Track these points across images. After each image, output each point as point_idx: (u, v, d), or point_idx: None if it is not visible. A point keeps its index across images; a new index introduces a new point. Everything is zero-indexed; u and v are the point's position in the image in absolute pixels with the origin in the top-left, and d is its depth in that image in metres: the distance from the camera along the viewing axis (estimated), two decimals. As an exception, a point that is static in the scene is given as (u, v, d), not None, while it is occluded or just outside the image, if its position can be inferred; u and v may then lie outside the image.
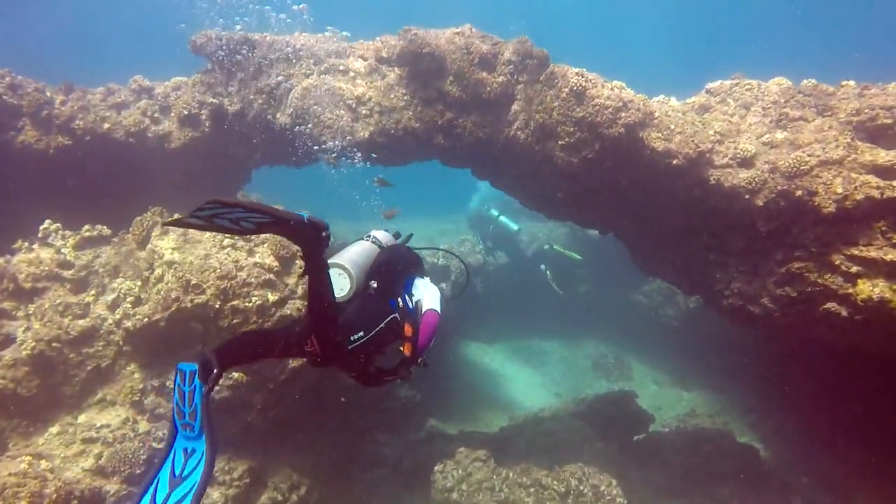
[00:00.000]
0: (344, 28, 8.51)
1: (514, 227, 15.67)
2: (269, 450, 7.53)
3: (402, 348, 3.75)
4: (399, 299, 3.92)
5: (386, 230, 4.49)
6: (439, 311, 3.99)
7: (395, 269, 4.11)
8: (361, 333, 3.52)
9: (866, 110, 6.56)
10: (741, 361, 12.02)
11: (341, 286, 3.78)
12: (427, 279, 4.34)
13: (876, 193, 5.82)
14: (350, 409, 8.88)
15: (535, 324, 15.71)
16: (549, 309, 15.54)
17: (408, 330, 3.77)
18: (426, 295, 4.08)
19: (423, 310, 3.95)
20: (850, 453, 8.91)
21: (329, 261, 3.65)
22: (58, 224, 7.47)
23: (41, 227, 7.41)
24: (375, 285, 3.89)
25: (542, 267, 15.26)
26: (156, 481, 2.67)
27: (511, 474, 7.72)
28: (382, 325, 3.68)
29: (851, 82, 7.18)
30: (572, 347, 16.07)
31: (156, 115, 8.45)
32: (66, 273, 7.14)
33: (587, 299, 16.24)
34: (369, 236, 4.30)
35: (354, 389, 9.05)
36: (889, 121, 6.38)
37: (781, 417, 10.90)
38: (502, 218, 15.61)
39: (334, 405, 8.53)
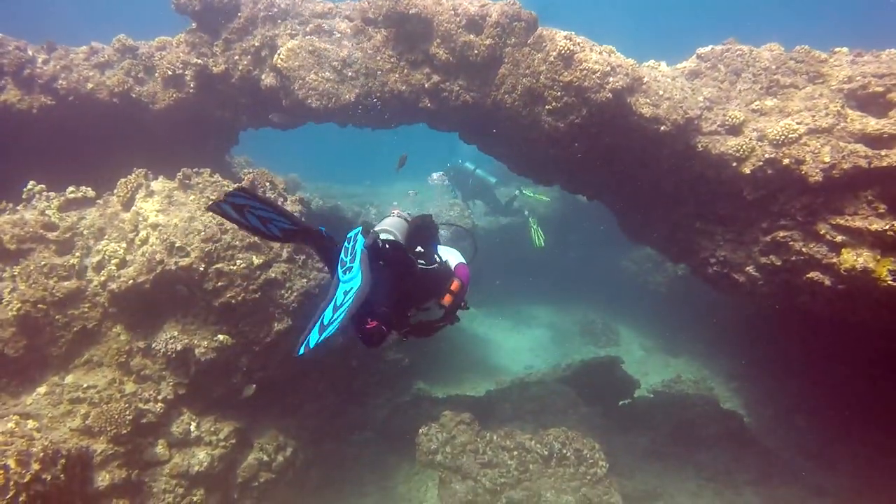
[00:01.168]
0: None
1: (493, 179, 15.94)
2: (255, 412, 7.62)
3: (441, 301, 4.35)
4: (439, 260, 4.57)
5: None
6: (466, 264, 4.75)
7: (429, 235, 4.73)
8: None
9: (858, 78, 6.45)
10: (726, 329, 12.11)
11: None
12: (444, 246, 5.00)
13: (864, 163, 5.77)
14: (337, 373, 8.95)
15: (524, 289, 15.77)
16: (538, 274, 15.56)
17: (454, 284, 4.40)
18: (451, 255, 4.79)
19: (454, 265, 4.65)
20: (831, 420, 9.02)
21: (376, 228, 4.34)
22: (42, 186, 7.41)
23: (25, 189, 7.35)
24: (421, 250, 4.48)
25: (526, 213, 15.39)
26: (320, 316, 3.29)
27: (495, 437, 7.82)
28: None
29: (844, 49, 7.05)
30: (561, 313, 16.17)
31: (140, 75, 8.32)
32: (51, 235, 7.10)
33: (576, 265, 16.26)
34: (395, 212, 4.76)
35: (342, 353, 9.14)
36: (881, 89, 6.27)
37: (764, 384, 11.02)
38: (479, 171, 15.82)
39: (321, 369, 8.60)
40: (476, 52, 7.16)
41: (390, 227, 4.40)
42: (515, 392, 9.95)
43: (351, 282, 3.46)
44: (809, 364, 9.79)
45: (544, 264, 15.63)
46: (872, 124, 5.97)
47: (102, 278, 6.80)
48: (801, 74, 6.87)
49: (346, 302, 3.32)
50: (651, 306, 14.61)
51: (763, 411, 10.72)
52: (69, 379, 6.74)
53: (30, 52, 8.15)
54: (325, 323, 3.28)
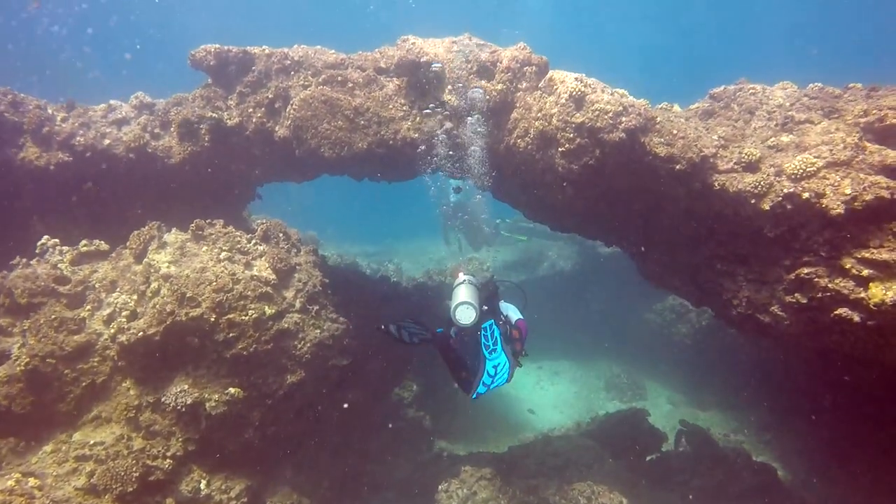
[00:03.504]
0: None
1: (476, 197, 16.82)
2: (268, 469, 7.36)
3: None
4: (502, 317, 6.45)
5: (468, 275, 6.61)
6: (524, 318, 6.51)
7: (494, 295, 6.64)
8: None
9: (874, 111, 6.38)
10: (755, 378, 11.74)
11: (470, 315, 5.95)
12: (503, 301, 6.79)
13: (886, 194, 5.63)
14: (352, 430, 8.70)
15: (547, 344, 15.50)
16: (561, 329, 15.34)
17: (515, 333, 6.31)
18: (510, 311, 6.60)
19: (513, 320, 6.43)
20: (866, 472, 8.59)
21: (462, 299, 6.00)
22: (55, 240, 7.44)
23: (38, 243, 7.37)
24: (487, 308, 6.30)
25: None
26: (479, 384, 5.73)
27: (517, 492, 7.50)
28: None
29: (859, 84, 7.02)
30: (584, 368, 15.84)
31: (156, 130, 8.44)
32: (63, 288, 7.07)
33: (598, 319, 16.02)
34: (462, 277, 6.48)
35: (361, 408, 8.92)
36: (898, 121, 6.19)
37: (798, 436, 10.58)
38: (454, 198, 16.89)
39: (335, 424, 8.36)
40: (488, 97, 7.20)
41: (471, 300, 6.00)
42: (539, 447, 9.59)
43: (497, 358, 5.88)
44: (842, 412, 9.38)
45: (566, 320, 15.44)
46: (892, 155, 5.86)
47: (112, 331, 6.72)
48: (815, 110, 6.82)
49: (502, 373, 5.79)
50: (676, 358, 14.26)
51: (798, 464, 10.25)
52: (76, 436, 6.58)
53: (49, 111, 8.32)
54: (488, 383, 5.74)
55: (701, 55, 48.51)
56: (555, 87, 6.90)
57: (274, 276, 7.20)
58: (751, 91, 7.28)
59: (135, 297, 6.90)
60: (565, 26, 46.60)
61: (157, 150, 8.33)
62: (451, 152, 7.63)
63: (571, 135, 6.73)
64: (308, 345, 7.17)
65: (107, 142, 8.30)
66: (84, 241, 7.49)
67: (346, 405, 8.49)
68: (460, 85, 7.33)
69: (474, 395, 5.67)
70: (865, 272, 5.81)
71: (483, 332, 5.89)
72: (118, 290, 7.07)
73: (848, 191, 5.78)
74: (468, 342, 6.21)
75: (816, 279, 6.17)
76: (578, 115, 6.64)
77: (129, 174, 8.46)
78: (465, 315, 5.96)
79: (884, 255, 5.70)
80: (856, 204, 5.74)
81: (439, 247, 21.34)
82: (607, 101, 6.54)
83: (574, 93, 6.64)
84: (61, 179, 8.25)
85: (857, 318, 5.92)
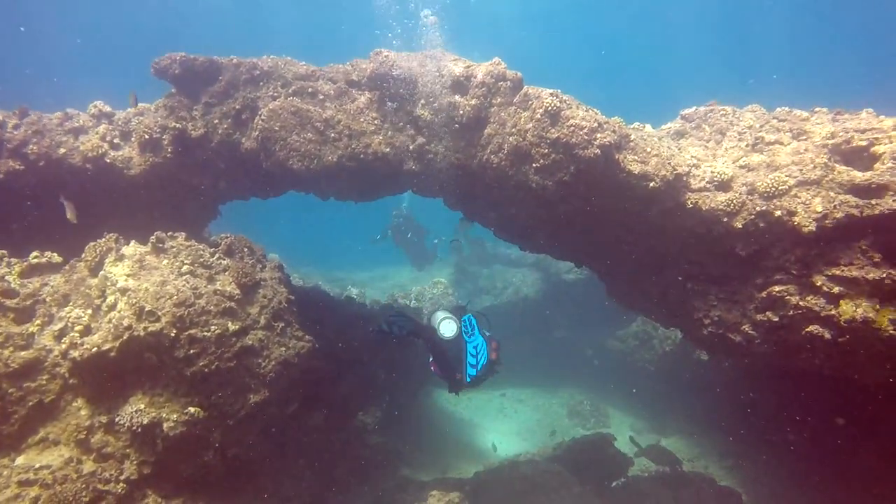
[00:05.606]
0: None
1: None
2: (228, 494, 6.98)
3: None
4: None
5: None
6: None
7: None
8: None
9: (841, 133, 6.52)
10: (717, 405, 11.81)
11: (452, 328, 6.71)
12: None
13: (855, 212, 5.72)
14: (317, 454, 8.38)
15: (510, 371, 15.35)
16: (525, 356, 15.24)
17: (494, 344, 6.83)
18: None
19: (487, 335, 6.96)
20: (827, 496, 8.64)
21: (443, 316, 6.82)
22: (3, 251, 7.02)
23: (-15, 255, 6.96)
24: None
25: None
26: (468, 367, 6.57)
27: (486, 517, 7.27)
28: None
29: (824, 109, 7.19)
30: (548, 395, 15.75)
31: (115, 140, 8.10)
32: (10, 302, 6.64)
33: (561, 346, 15.99)
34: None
35: (323, 433, 8.62)
36: (864, 143, 6.33)
37: (760, 460, 10.62)
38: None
39: (299, 448, 8.04)
40: (461, 112, 7.13)
41: (451, 315, 6.85)
42: (506, 472, 9.42)
43: (475, 340, 6.69)
44: (805, 436, 9.45)
45: (530, 347, 15.36)
46: (860, 176, 5.96)
47: (64, 346, 6.33)
48: (784, 132, 6.94)
49: (483, 352, 6.61)
50: (639, 385, 14.27)
51: (760, 489, 10.27)
52: (20, 460, 6.12)
53: (0, 117, 7.92)
54: (473, 364, 6.55)
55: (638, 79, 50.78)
56: (530, 102, 6.88)
57: (238, 291, 6.92)
58: (721, 112, 7.39)
59: (89, 311, 6.53)
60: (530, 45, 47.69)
61: (117, 161, 7.98)
62: (414, 167, 7.51)
63: (546, 150, 6.69)
64: (273, 363, 6.88)
65: (62, 151, 7.93)
66: (35, 253, 7.09)
67: (310, 428, 8.19)
68: (433, 99, 7.24)
69: (468, 378, 6.55)
70: (836, 289, 5.88)
71: (462, 322, 6.72)
72: (71, 303, 6.68)
73: (819, 209, 5.85)
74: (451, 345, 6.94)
75: (788, 297, 6.22)
76: (554, 130, 6.61)
77: (86, 185, 8.09)
78: (448, 328, 6.71)
79: (854, 273, 5.77)
80: (827, 221, 5.81)
81: (401, 273, 21.20)
82: (583, 117, 6.53)
83: (549, 108, 6.62)
84: (13, 190, 7.84)
85: (827, 336, 5.97)
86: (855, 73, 44.05)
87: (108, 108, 8.38)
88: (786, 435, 9.76)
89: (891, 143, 6.13)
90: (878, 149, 6.17)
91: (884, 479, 7.91)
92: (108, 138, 8.06)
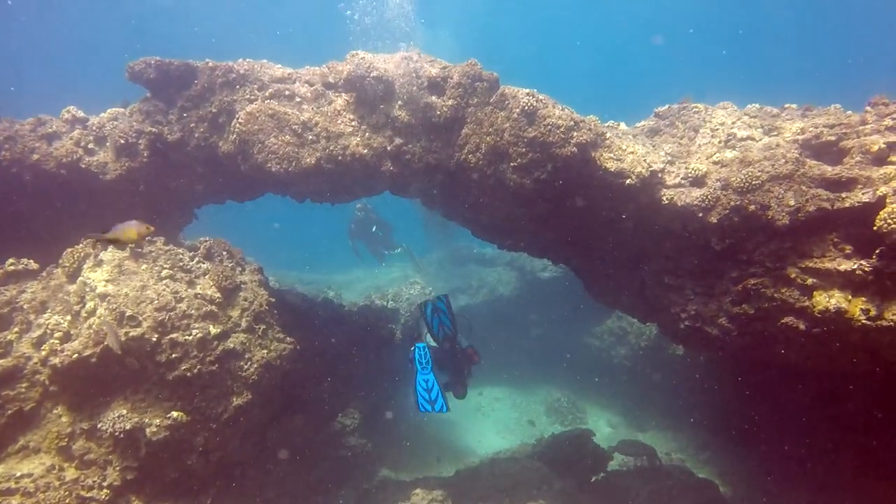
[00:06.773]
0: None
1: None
2: (211, 497, 6.96)
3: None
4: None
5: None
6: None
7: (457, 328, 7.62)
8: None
9: (811, 128, 6.66)
10: (693, 399, 11.98)
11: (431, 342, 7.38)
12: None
13: (827, 205, 5.85)
14: (299, 458, 8.37)
15: (487, 370, 15.45)
16: (501, 355, 15.31)
17: (471, 351, 7.52)
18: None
19: (465, 345, 7.63)
20: (807, 485, 8.81)
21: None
22: (-22, 259, 6.94)
23: (-41, 263, 6.86)
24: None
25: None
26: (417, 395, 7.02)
27: (471, 514, 7.32)
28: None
29: (794, 105, 7.34)
30: (525, 393, 15.83)
31: (90, 145, 8.00)
32: (-14, 310, 6.58)
33: (538, 344, 16.09)
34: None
35: (303, 435, 8.60)
36: (833, 138, 6.46)
37: (736, 452, 10.80)
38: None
39: (281, 451, 8.03)
40: (438, 112, 7.17)
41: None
42: (486, 469, 9.45)
43: (426, 375, 7.07)
44: (780, 429, 9.62)
45: (506, 345, 15.42)
46: (830, 170, 6.10)
47: (43, 354, 6.27)
48: (756, 128, 7.07)
49: (433, 385, 7.04)
50: (616, 381, 14.41)
51: (737, 481, 10.44)
52: (0, 469, 6.06)
53: (-31, 123, 7.80)
54: (426, 398, 7.03)
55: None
56: (506, 101, 6.93)
57: (219, 295, 6.91)
58: (694, 110, 7.51)
59: (68, 317, 6.48)
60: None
61: (92, 166, 7.89)
62: (392, 168, 7.52)
63: (523, 149, 6.75)
64: (255, 366, 6.87)
65: (35, 157, 7.81)
66: (11, 260, 7.01)
67: (291, 430, 8.18)
68: (410, 100, 7.26)
69: (420, 410, 7.11)
70: (809, 281, 6.00)
71: (416, 350, 7.19)
72: (49, 310, 6.62)
73: (792, 202, 5.97)
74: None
75: (763, 289, 6.34)
76: (531, 129, 6.68)
77: (61, 191, 7.99)
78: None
79: (826, 264, 5.90)
80: (799, 215, 5.93)
81: (376, 276, 21.18)
82: (559, 115, 6.61)
83: (526, 108, 6.69)
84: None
85: (802, 327, 6.10)
86: (822, 70, 45.05)
87: (81, 114, 8.27)
88: (759, 426, 9.94)
89: (858, 137, 6.28)
90: (847, 143, 6.31)
91: (861, 469, 8.08)
92: (82, 143, 7.97)
